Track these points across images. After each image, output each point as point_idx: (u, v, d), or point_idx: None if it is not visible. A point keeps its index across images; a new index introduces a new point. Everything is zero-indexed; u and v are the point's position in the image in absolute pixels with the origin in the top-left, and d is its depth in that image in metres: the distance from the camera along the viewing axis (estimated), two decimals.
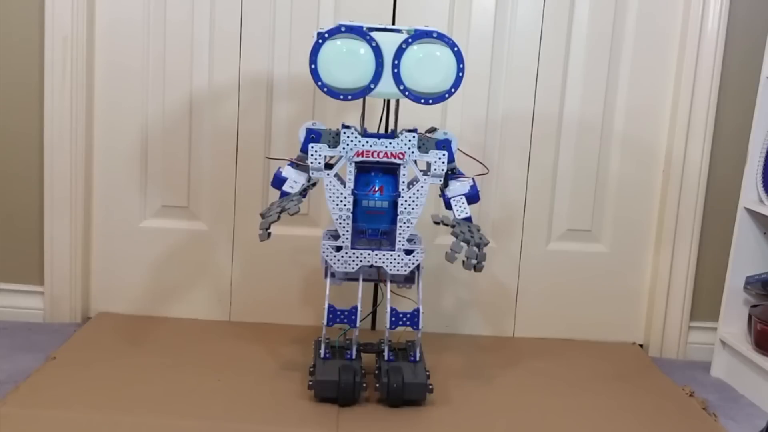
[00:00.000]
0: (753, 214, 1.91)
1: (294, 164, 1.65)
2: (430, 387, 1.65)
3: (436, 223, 1.71)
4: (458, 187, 1.68)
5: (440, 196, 1.70)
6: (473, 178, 1.69)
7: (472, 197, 1.69)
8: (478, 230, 1.65)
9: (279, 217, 1.59)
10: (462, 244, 1.59)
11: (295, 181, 1.65)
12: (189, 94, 2.02)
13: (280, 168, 1.67)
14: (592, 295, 2.13)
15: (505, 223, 2.10)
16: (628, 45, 2.04)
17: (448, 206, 1.69)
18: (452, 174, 1.68)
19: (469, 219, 1.68)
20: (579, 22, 2.03)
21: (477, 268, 1.59)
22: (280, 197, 1.65)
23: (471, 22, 2.02)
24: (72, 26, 1.94)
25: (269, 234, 1.61)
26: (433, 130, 1.69)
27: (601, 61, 2.04)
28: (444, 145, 1.64)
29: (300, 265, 2.06)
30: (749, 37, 2.00)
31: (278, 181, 1.65)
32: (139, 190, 2.06)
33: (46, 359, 1.78)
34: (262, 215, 1.62)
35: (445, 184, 1.68)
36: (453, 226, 1.64)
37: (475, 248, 1.58)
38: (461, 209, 1.68)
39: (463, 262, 1.58)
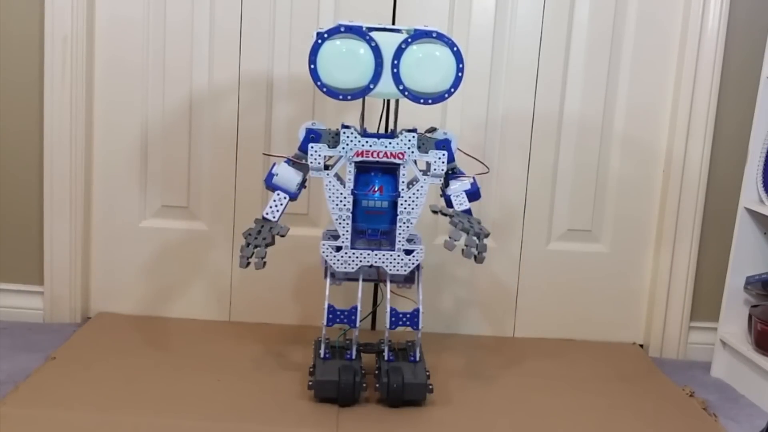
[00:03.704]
0: (753, 214, 1.91)
1: (291, 162, 1.65)
2: (430, 387, 1.65)
3: (434, 212, 1.68)
4: (459, 186, 1.68)
5: (441, 195, 1.70)
6: (474, 177, 1.69)
7: (473, 194, 1.69)
8: (479, 222, 1.65)
9: (250, 259, 1.61)
10: (461, 232, 1.59)
11: (277, 206, 1.64)
12: (189, 94, 2.02)
13: (275, 170, 1.65)
14: (592, 295, 2.13)
15: (505, 223, 2.10)
16: (628, 45, 2.04)
17: (449, 203, 1.69)
18: (452, 174, 1.68)
19: (468, 212, 1.68)
20: (579, 22, 2.03)
21: (478, 258, 1.59)
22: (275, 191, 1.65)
23: (471, 22, 2.02)
24: (72, 25, 1.94)
25: (264, 263, 1.62)
26: (432, 130, 1.69)
27: (601, 61, 2.04)
28: (443, 145, 1.64)
29: (300, 265, 2.06)
30: (749, 37, 2.00)
31: (271, 186, 1.65)
32: (139, 190, 2.06)
33: (46, 359, 1.78)
34: (245, 237, 1.62)
35: (446, 184, 1.68)
36: (452, 216, 1.64)
37: (474, 237, 1.59)
38: (461, 202, 1.68)
39: (463, 250, 1.59)
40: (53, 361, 1.78)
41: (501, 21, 2.02)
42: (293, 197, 1.65)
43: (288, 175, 1.64)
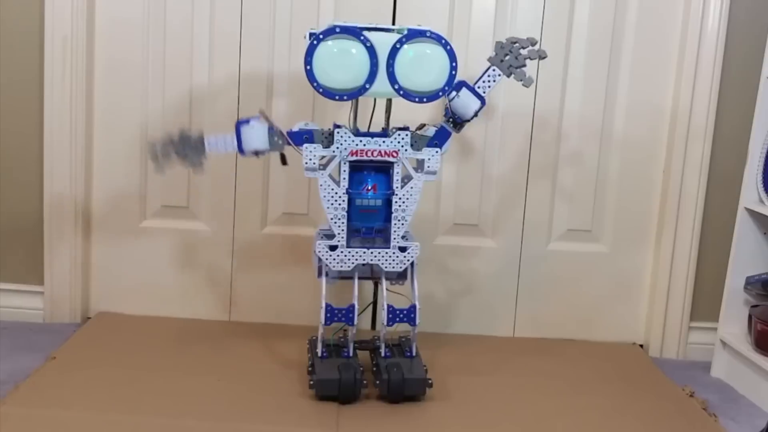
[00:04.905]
0: (753, 214, 1.91)
1: (272, 130, 1.62)
2: (430, 382, 1.66)
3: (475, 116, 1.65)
4: (460, 102, 1.63)
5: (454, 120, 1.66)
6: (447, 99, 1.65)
7: (459, 84, 1.63)
8: (503, 49, 1.65)
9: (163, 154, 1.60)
10: (522, 70, 1.64)
11: (220, 145, 1.62)
12: (189, 93, 2.02)
13: (253, 122, 1.62)
14: (592, 295, 2.12)
15: (505, 223, 2.10)
16: (628, 45, 2.04)
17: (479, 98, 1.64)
18: (452, 115, 1.65)
19: (493, 66, 1.65)
20: (579, 22, 2.03)
21: (541, 55, 1.64)
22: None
23: (471, 22, 2.02)
24: (72, 25, 1.95)
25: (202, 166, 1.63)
26: (422, 126, 1.69)
27: (601, 61, 2.04)
28: (435, 142, 1.65)
29: (299, 264, 2.05)
30: (749, 37, 2.00)
31: (237, 128, 1.62)
32: (139, 190, 2.06)
33: (46, 359, 1.78)
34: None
35: (454, 120, 1.65)
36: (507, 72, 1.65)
37: (520, 54, 1.63)
38: (486, 85, 1.65)
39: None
40: (53, 361, 1.78)
41: (501, 21, 2.02)
42: (240, 152, 1.63)
43: (257, 135, 1.62)
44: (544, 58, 1.66)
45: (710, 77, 2.00)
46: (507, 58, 1.65)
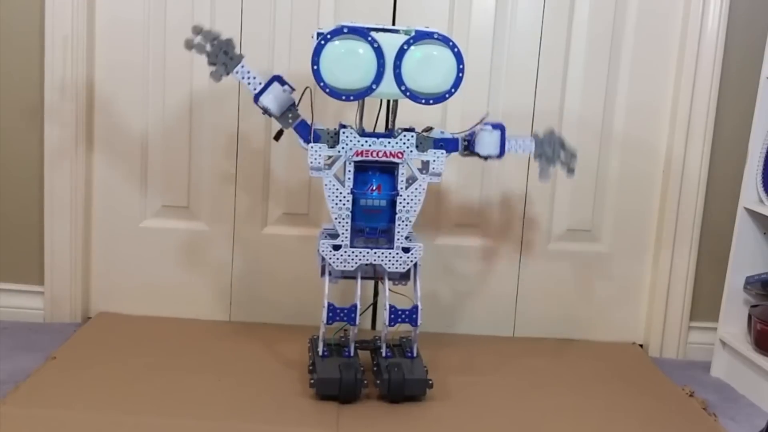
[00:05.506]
0: (753, 214, 1.91)
1: (291, 106, 1.64)
2: (430, 382, 1.66)
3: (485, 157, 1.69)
4: (486, 138, 1.67)
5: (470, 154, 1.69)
6: (483, 121, 1.67)
7: (497, 126, 1.67)
8: (550, 138, 1.71)
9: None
10: (547, 164, 1.70)
11: (251, 76, 1.63)
12: (189, 94, 2.02)
13: (271, 89, 1.63)
14: (592, 295, 2.13)
15: (505, 223, 2.10)
16: (628, 45, 2.04)
17: (502, 150, 1.68)
18: (470, 141, 1.68)
19: (533, 139, 1.71)
20: (579, 22, 2.03)
21: (570, 167, 1.71)
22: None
23: (471, 22, 2.02)
24: (72, 25, 1.95)
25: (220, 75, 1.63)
26: (429, 129, 1.69)
27: (601, 61, 2.04)
28: (441, 144, 1.65)
29: (299, 264, 2.05)
30: (749, 37, 2.00)
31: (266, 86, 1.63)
32: (139, 190, 2.06)
33: (46, 359, 1.78)
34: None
35: (470, 147, 1.68)
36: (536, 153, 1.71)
37: (557, 153, 1.70)
38: (515, 146, 1.70)
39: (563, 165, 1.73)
40: (53, 361, 1.78)
41: (501, 21, 2.02)
42: (255, 98, 1.63)
43: (280, 99, 1.63)
44: (572, 173, 1.72)
45: (710, 77, 2.01)
46: (546, 147, 1.70)
